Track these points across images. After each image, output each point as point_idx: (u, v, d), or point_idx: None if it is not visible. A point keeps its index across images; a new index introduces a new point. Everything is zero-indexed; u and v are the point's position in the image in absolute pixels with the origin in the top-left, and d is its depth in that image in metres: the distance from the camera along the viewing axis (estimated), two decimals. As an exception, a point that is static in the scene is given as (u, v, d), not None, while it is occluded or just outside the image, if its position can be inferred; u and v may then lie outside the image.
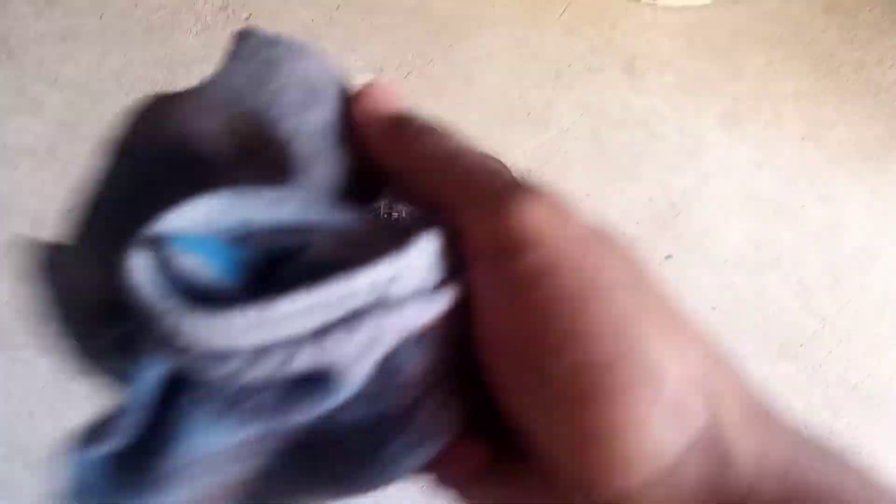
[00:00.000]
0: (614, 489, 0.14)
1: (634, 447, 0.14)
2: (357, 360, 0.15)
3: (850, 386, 1.08)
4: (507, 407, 0.16)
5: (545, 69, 1.18)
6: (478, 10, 1.20)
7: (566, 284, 0.15)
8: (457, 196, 0.17)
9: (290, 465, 0.17)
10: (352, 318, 0.15)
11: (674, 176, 1.15)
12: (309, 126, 0.19)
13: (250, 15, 1.18)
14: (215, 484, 0.16)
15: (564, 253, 0.16)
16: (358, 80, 0.20)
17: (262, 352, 0.14)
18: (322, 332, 0.15)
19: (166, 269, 0.15)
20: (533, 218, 0.16)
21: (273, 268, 0.17)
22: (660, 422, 0.14)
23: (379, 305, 0.15)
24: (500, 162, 0.18)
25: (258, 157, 0.18)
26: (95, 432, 0.15)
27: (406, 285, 0.16)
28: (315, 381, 0.15)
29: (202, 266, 0.15)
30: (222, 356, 0.14)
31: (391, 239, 0.16)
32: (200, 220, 0.16)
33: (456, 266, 0.17)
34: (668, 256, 1.11)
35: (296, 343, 0.15)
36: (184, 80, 1.15)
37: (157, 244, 0.15)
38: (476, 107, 1.15)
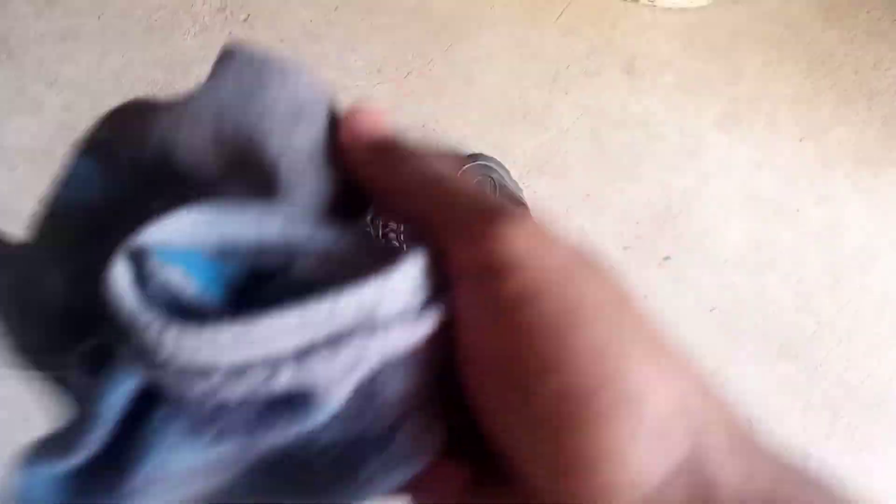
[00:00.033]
0: None
1: (617, 474, 0.14)
2: (338, 381, 0.15)
3: (850, 386, 1.08)
4: (490, 429, 0.16)
5: (544, 70, 1.18)
6: (477, 10, 1.20)
7: (548, 309, 0.15)
8: (440, 220, 0.17)
9: (264, 482, 0.16)
10: (335, 340, 0.15)
11: (673, 176, 1.15)
12: (296, 144, 0.18)
13: (249, 16, 1.18)
14: (185, 499, 0.16)
15: (547, 278, 0.15)
16: (346, 100, 0.20)
17: (242, 369, 0.14)
18: (305, 353, 0.15)
19: (148, 281, 0.15)
20: (516, 242, 0.16)
21: (257, 285, 0.16)
22: (642, 449, 0.14)
23: (363, 327, 0.15)
24: (482, 188, 0.18)
25: (244, 173, 0.18)
26: (56, 445, 0.15)
27: (391, 307, 0.16)
28: (294, 402, 0.15)
29: (184, 280, 0.15)
30: (202, 372, 0.14)
31: (376, 260, 0.16)
32: (184, 234, 0.16)
33: (440, 288, 0.17)
34: (667, 258, 1.11)
35: (277, 362, 0.14)
36: (182, 80, 1.15)
37: (140, 255, 0.15)
38: (475, 107, 1.15)
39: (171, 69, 1.16)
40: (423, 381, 0.17)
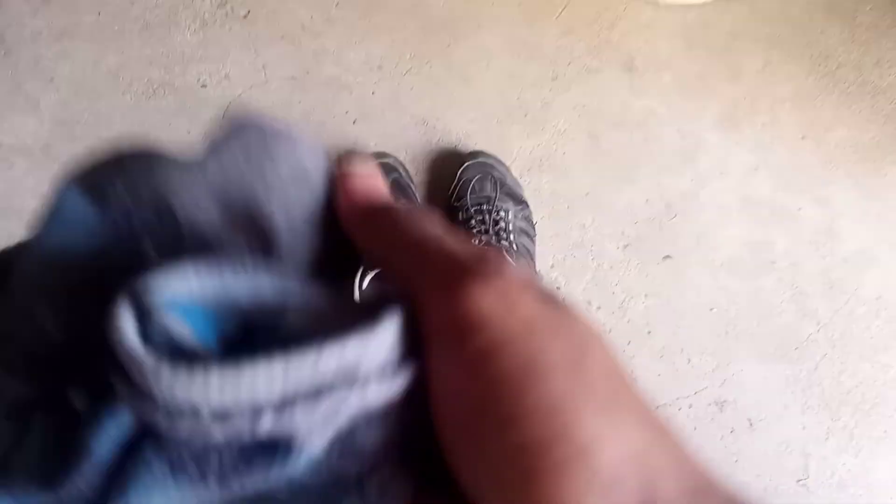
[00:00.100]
0: None
1: None
2: (318, 429, 0.16)
3: (845, 390, 1.08)
4: (461, 479, 0.17)
5: (543, 69, 1.18)
6: (476, 9, 1.20)
7: (509, 365, 0.16)
8: (418, 279, 0.19)
9: None
10: (317, 391, 0.16)
11: (671, 177, 1.15)
12: (296, 209, 0.20)
13: (249, 12, 1.18)
14: None
15: (508, 337, 0.16)
16: (343, 161, 0.22)
17: (227, 412, 0.15)
18: (287, 401, 0.15)
19: (149, 326, 0.15)
20: (481, 303, 0.17)
21: (248, 337, 0.17)
22: (595, 500, 0.15)
23: (344, 381, 0.16)
24: (466, 242, 0.19)
25: (245, 233, 0.19)
26: (39, 477, 0.16)
27: (370, 363, 0.16)
28: (276, 446, 0.16)
29: (182, 327, 0.16)
30: (190, 411, 0.15)
31: (361, 318, 0.17)
32: (184, 286, 0.17)
33: (417, 343, 0.18)
34: (667, 257, 1.11)
35: (260, 408, 0.15)
36: (180, 79, 1.15)
37: (141, 301, 0.16)
38: (474, 105, 1.15)
39: (170, 67, 1.16)
40: (399, 432, 0.18)
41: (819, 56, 1.21)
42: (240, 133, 0.20)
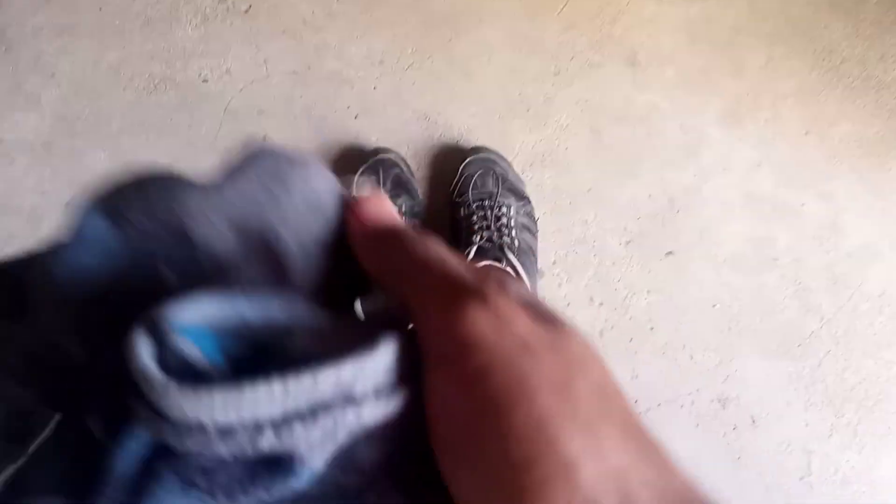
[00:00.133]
0: None
1: None
2: (318, 446, 0.17)
3: (849, 386, 1.08)
4: (454, 495, 0.18)
5: (545, 64, 1.18)
6: (477, 4, 1.19)
7: (498, 387, 0.17)
8: (419, 300, 0.20)
9: None
10: (315, 410, 0.17)
11: (674, 173, 1.14)
12: (308, 236, 0.21)
13: (250, 7, 1.18)
14: None
15: (499, 358, 0.17)
16: (355, 189, 0.23)
17: (231, 429, 0.16)
18: (284, 421, 0.16)
19: (164, 350, 0.17)
20: (477, 324, 0.18)
21: (255, 357, 0.18)
22: None
23: (339, 402, 0.17)
24: (468, 264, 0.21)
25: (258, 259, 0.21)
26: (68, 493, 0.17)
27: (365, 384, 0.17)
28: (279, 462, 0.17)
29: (194, 350, 0.17)
30: (197, 428, 0.16)
31: (362, 339, 0.18)
32: (200, 313, 0.18)
33: (414, 364, 0.19)
34: (670, 253, 1.11)
35: (261, 425, 0.16)
36: (181, 74, 1.15)
37: (158, 327, 0.17)
38: (476, 100, 1.15)
39: (171, 63, 1.15)
40: (399, 447, 0.19)
41: (823, 51, 1.21)
42: (255, 161, 0.22)
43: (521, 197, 1.05)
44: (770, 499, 1.04)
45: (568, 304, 1.08)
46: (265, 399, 0.16)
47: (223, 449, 0.16)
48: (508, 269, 0.93)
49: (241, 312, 0.19)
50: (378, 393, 0.18)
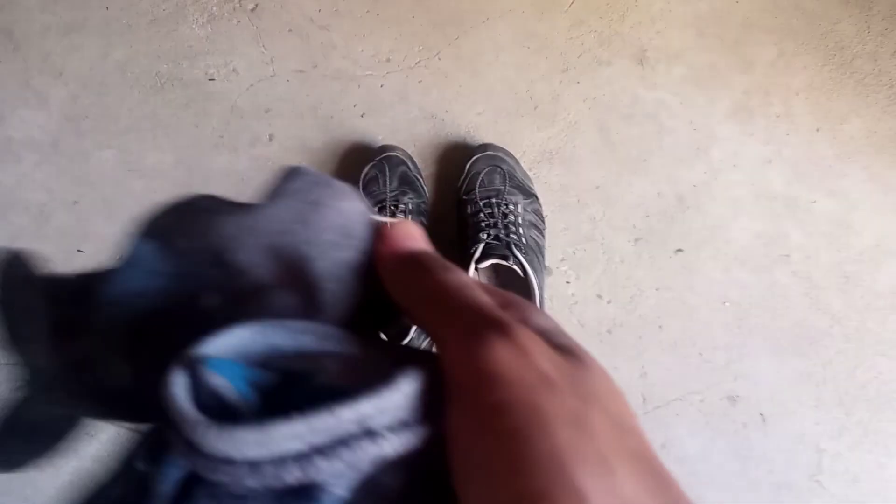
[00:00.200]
0: None
1: None
2: (340, 477, 0.18)
3: (860, 385, 1.07)
4: None
5: (553, 62, 1.17)
6: (485, 1, 1.19)
7: (517, 420, 0.17)
8: (443, 332, 0.20)
9: None
10: (333, 447, 0.18)
11: (683, 170, 1.13)
12: (340, 263, 0.22)
13: (257, 5, 1.17)
14: None
15: (518, 393, 0.18)
16: (385, 219, 0.24)
17: (258, 463, 0.17)
18: (304, 456, 0.17)
19: (199, 386, 0.18)
20: (496, 358, 0.18)
21: (286, 387, 0.20)
22: None
23: (360, 435, 0.18)
24: (494, 296, 0.21)
25: (291, 285, 0.22)
26: None
27: (383, 420, 0.18)
28: (305, 492, 0.18)
29: (227, 386, 0.19)
30: (228, 462, 0.17)
31: (389, 368, 0.19)
32: (233, 347, 0.19)
33: (437, 399, 0.19)
34: (679, 250, 1.10)
35: (286, 460, 0.17)
36: (188, 73, 1.15)
37: (194, 364, 0.18)
38: (484, 98, 1.14)
39: (177, 61, 1.15)
40: (422, 476, 0.19)
41: (834, 47, 1.19)
42: (291, 186, 0.23)
43: (529, 194, 1.05)
44: (780, 497, 1.03)
45: (576, 302, 1.07)
46: (289, 436, 0.17)
47: (251, 481, 0.17)
48: (515, 266, 0.92)
49: (273, 341, 0.20)
50: (398, 427, 0.19)
